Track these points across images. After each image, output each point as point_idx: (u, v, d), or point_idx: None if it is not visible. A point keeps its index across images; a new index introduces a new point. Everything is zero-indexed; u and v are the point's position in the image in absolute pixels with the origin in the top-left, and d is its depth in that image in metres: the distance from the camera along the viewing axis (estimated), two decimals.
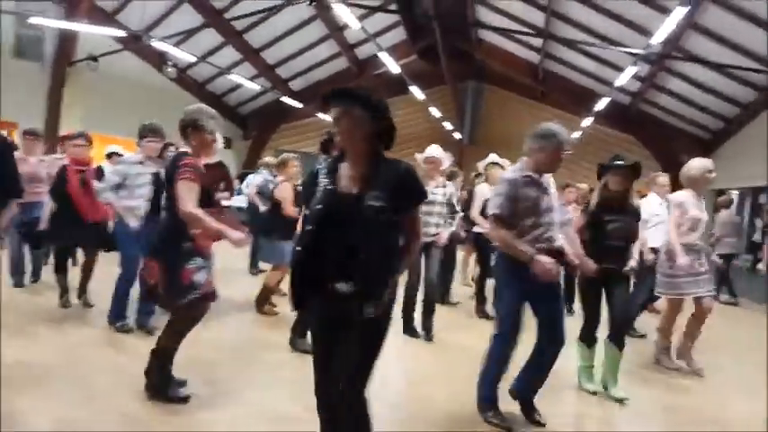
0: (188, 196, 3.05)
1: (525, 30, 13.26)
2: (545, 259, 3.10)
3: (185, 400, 3.25)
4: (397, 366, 4.39)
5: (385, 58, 11.81)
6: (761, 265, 11.25)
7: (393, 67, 12.28)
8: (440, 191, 5.25)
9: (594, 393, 4.06)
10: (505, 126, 19.21)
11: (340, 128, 2.22)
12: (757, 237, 11.56)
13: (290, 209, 5.39)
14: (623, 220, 3.98)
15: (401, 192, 2.20)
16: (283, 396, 3.54)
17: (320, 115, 18.71)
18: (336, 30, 14.69)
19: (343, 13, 9.57)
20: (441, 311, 5.52)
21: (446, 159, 5.41)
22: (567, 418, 3.75)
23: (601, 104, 13.52)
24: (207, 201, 3.19)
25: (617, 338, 3.99)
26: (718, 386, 4.67)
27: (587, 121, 15.28)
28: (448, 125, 18.26)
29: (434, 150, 5.30)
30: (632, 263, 4.04)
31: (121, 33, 11.29)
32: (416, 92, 14.87)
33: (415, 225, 2.35)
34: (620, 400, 3.96)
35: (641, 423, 3.90)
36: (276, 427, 3.10)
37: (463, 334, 5.45)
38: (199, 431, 3.02)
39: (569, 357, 3.94)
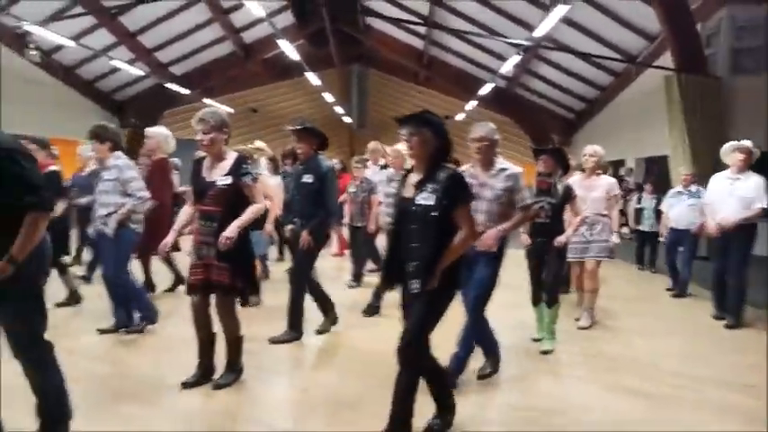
0: None
1: (412, 18, 13.82)
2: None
3: None
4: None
5: (283, 44, 11.72)
6: (624, 229, 13.03)
7: (292, 53, 12.21)
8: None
9: (538, 340, 4.80)
10: (391, 110, 19.93)
11: (411, 144, 2.78)
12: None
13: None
14: (543, 201, 4.57)
15: (446, 193, 2.69)
16: None
17: (206, 101, 17.98)
18: (221, 13, 14.15)
19: None
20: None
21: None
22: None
23: (485, 89, 14.55)
24: None
25: (547, 300, 4.66)
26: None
27: (471, 105, 16.35)
28: (339, 109, 18.47)
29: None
30: (560, 238, 4.55)
31: None
32: (312, 78, 14.87)
33: (464, 222, 2.74)
34: (545, 352, 4.58)
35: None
36: None
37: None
38: None
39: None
